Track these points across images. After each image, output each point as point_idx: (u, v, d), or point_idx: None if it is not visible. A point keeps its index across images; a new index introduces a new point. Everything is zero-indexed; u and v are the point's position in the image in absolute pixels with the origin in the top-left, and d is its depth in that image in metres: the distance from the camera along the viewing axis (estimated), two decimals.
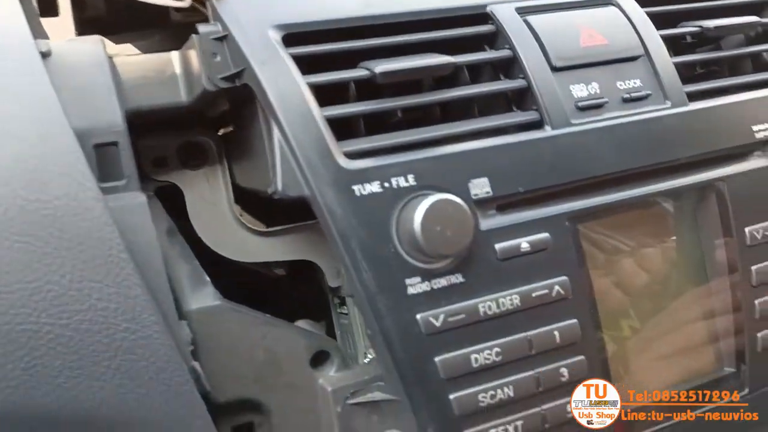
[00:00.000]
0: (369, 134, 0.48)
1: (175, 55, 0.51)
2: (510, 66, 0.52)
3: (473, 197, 0.47)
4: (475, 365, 0.46)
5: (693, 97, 0.54)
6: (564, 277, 0.48)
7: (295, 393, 0.49)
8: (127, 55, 0.54)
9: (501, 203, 0.48)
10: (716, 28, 0.57)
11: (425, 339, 0.45)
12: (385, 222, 0.45)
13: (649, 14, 0.56)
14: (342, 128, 0.48)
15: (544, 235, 0.48)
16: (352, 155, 0.46)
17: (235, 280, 0.69)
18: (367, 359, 0.53)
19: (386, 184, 0.45)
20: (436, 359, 0.45)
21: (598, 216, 0.50)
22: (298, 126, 0.45)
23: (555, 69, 0.51)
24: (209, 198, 0.55)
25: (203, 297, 0.48)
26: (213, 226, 0.55)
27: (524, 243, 0.47)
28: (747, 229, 0.54)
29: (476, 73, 0.53)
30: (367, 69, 0.48)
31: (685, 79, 0.59)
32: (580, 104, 0.51)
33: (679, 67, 0.56)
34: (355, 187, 0.45)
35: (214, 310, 0.47)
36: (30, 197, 0.41)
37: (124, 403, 0.42)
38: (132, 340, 0.43)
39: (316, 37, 0.49)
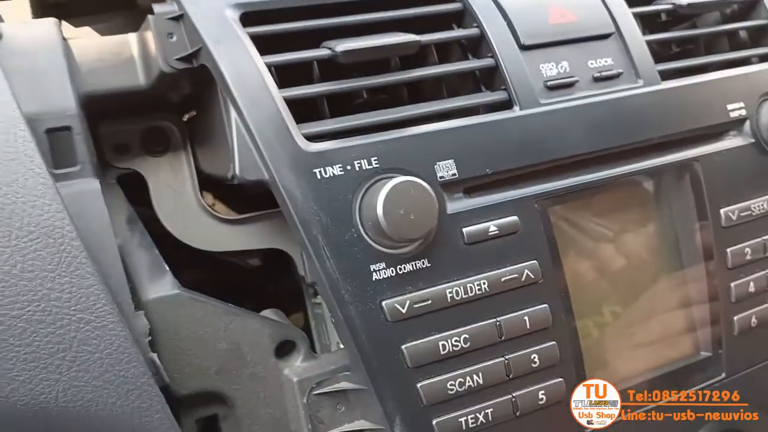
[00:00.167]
0: (337, 117, 0.46)
1: (132, 37, 0.50)
2: (478, 45, 0.51)
3: (439, 180, 0.45)
4: (442, 352, 0.44)
5: (666, 75, 0.53)
6: (534, 261, 0.47)
7: (260, 384, 0.47)
8: (83, 39, 0.52)
9: (468, 186, 0.47)
10: (689, 5, 0.56)
11: (391, 326, 0.44)
12: (347, 206, 0.43)
13: None
14: (310, 111, 0.47)
15: (513, 218, 0.47)
16: (312, 137, 0.44)
17: (212, 273, 0.68)
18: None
19: (348, 167, 0.44)
20: (403, 347, 0.44)
21: (568, 198, 0.49)
22: (255, 107, 0.44)
23: (523, 47, 0.50)
24: (173, 185, 0.54)
25: (161, 286, 0.46)
26: (178, 214, 0.53)
27: (492, 226, 0.46)
28: (722, 211, 0.53)
29: (444, 52, 0.52)
30: (329, 48, 0.46)
31: (660, 57, 0.58)
32: (549, 83, 0.50)
33: (652, 45, 0.55)
34: (316, 170, 0.43)
35: (172, 299, 0.46)
36: None
37: (80, 397, 0.41)
38: (86, 331, 0.41)
39: (278, 16, 0.47)
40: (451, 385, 0.45)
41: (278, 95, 0.44)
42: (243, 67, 0.44)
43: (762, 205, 0.54)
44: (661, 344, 0.53)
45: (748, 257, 0.53)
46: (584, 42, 0.52)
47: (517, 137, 0.48)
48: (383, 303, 0.43)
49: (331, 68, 0.47)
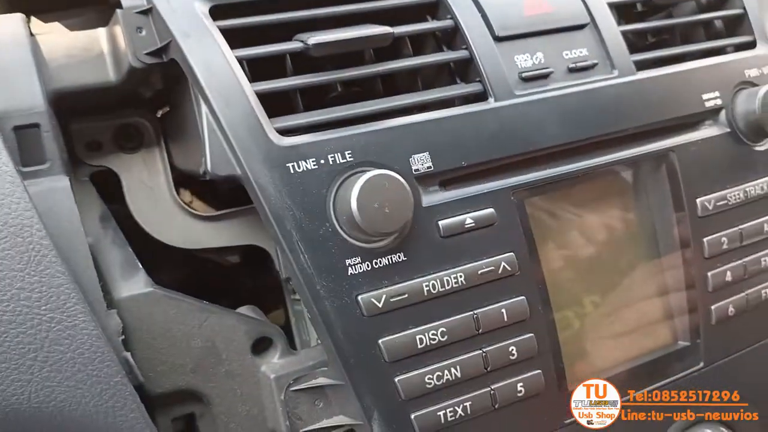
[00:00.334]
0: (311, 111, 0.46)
1: (101, 32, 0.49)
2: (453, 37, 0.50)
3: (414, 173, 0.45)
4: (420, 346, 0.44)
5: (641, 65, 0.53)
6: (510, 254, 0.47)
7: (237, 381, 0.47)
8: (52, 34, 0.52)
9: (443, 178, 0.46)
10: None
11: (367, 321, 0.43)
12: (321, 200, 0.43)
13: None
14: (284, 105, 0.46)
15: (489, 210, 0.46)
16: (285, 131, 0.44)
17: (192, 270, 0.67)
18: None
19: (322, 161, 0.43)
20: (380, 341, 0.44)
21: (544, 190, 0.49)
22: (226, 101, 0.43)
23: (498, 39, 0.50)
24: (147, 182, 0.53)
25: (134, 284, 0.46)
26: (152, 211, 0.53)
27: (468, 219, 0.46)
28: (698, 200, 0.53)
29: (419, 45, 0.52)
30: (301, 41, 0.46)
31: (637, 48, 0.58)
32: (524, 75, 0.49)
33: (627, 35, 0.55)
34: (289, 165, 0.43)
35: (145, 297, 0.45)
36: None
37: (53, 397, 0.40)
38: (57, 331, 0.41)
39: (249, 9, 0.47)
40: (428, 378, 0.44)
41: (249, 89, 0.43)
42: (213, 60, 0.43)
43: (738, 194, 0.54)
44: (639, 334, 0.53)
45: (725, 246, 0.54)
46: (559, 33, 0.52)
47: (492, 129, 0.48)
48: (359, 297, 0.43)
49: (305, 61, 0.46)
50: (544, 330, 0.48)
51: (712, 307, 0.53)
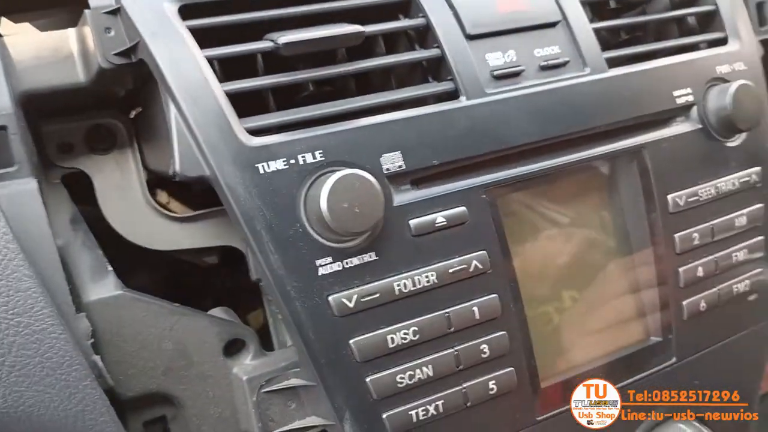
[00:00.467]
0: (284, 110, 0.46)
1: (71, 33, 0.48)
2: (424, 35, 0.50)
3: (385, 172, 0.45)
4: (391, 346, 0.44)
5: (613, 63, 0.53)
6: (482, 252, 0.47)
7: (209, 384, 0.47)
8: (20, 35, 0.51)
9: (415, 177, 0.46)
10: None
11: (338, 321, 0.43)
12: (291, 200, 0.43)
13: None
14: (258, 105, 0.46)
15: (461, 208, 0.46)
16: (255, 132, 0.43)
17: (170, 271, 0.67)
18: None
19: (292, 161, 0.43)
20: (351, 341, 0.44)
21: (516, 187, 0.49)
22: (195, 101, 0.43)
23: (470, 37, 0.49)
24: (120, 184, 0.53)
25: (103, 287, 0.45)
26: (125, 213, 0.52)
27: (440, 217, 0.46)
28: (669, 197, 0.53)
29: (392, 43, 0.51)
30: (272, 40, 0.45)
31: (611, 45, 0.58)
32: (496, 73, 0.49)
33: (599, 32, 0.55)
34: (259, 165, 0.42)
35: (115, 300, 0.45)
36: None
37: (22, 402, 0.40)
38: (25, 335, 0.40)
39: (220, 9, 0.46)
40: (400, 378, 0.45)
41: (219, 89, 0.43)
42: (181, 60, 0.43)
43: (709, 190, 0.55)
44: (612, 330, 0.53)
45: (696, 242, 0.54)
46: (531, 30, 0.52)
47: (463, 127, 0.48)
48: (330, 298, 0.43)
49: (278, 61, 0.46)
50: (517, 328, 0.48)
51: (684, 303, 0.54)
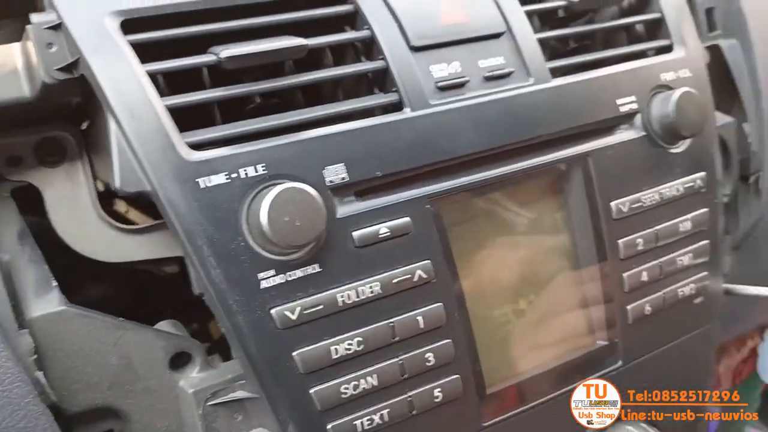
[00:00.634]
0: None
1: (16, 47, 0.48)
2: (370, 47, 0.50)
3: (328, 184, 0.45)
4: (335, 357, 0.45)
5: (557, 72, 0.54)
6: (427, 261, 0.47)
7: (155, 397, 0.47)
8: None
9: (359, 189, 0.47)
10: (581, 1, 0.57)
11: (281, 334, 0.44)
12: (233, 215, 0.43)
13: None
14: (205, 118, 0.46)
15: (405, 219, 0.47)
16: (197, 146, 0.43)
17: (129, 283, 0.66)
18: None
19: (234, 175, 0.43)
20: (294, 354, 0.44)
21: (460, 197, 0.50)
22: (134, 117, 0.43)
23: (414, 49, 0.50)
24: (70, 196, 0.52)
25: (47, 303, 0.45)
26: (76, 226, 0.52)
27: (383, 228, 0.46)
28: (613, 203, 0.54)
29: (341, 55, 0.52)
30: (214, 54, 0.45)
31: (560, 54, 0.59)
32: (440, 84, 0.50)
33: (546, 42, 0.55)
34: (200, 180, 0.43)
35: (58, 316, 0.45)
36: None
37: None
38: None
39: (165, 23, 0.46)
40: (345, 388, 0.45)
41: (159, 104, 0.43)
42: (121, 76, 0.43)
43: (653, 196, 0.56)
44: (558, 335, 0.54)
45: (640, 248, 0.55)
46: (476, 42, 0.52)
47: (408, 138, 0.48)
48: (272, 311, 0.43)
49: (228, 74, 0.46)
50: (462, 335, 0.49)
51: (629, 307, 0.55)
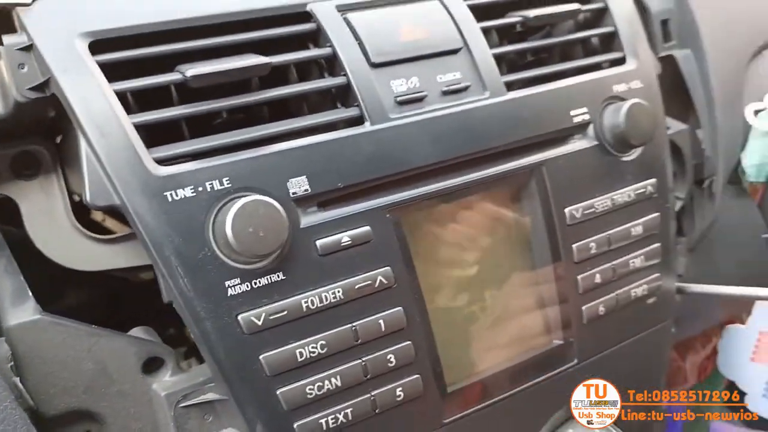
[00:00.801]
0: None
1: None
2: (333, 64, 0.53)
3: (292, 196, 0.48)
4: (300, 359, 0.47)
5: (512, 86, 0.57)
6: (387, 268, 0.50)
7: (129, 400, 0.49)
8: None
9: (321, 200, 0.49)
10: (536, 17, 0.59)
11: (248, 338, 0.46)
12: (199, 226, 0.45)
13: (471, 7, 0.58)
14: (174, 134, 0.48)
15: (365, 228, 0.49)
16: (164, 161, 0.46)
17: (107, 290, 0.68)
18: None
19: (200, 188, 0.45)
20: (261, 357, 0.46)
21: (419, 206, 0.52)
22: (103, 133, 0.45)
23: (374, 65, 0.52)
24: (46, 208, 0.54)
25: (23, 312, 0.47)
26: (52, 237, 0.54)
27: (345, 237, 0.49)
28: (567, 210, 0.57)
29: (306, 71, 0.54)
30: (180, 73, 0.48)
31: (518, 66, 0.62)
32: (399, 99, 0.52)
33: (504, 56, 0.58)
34: (167, 193, 0.45)
35: (33, 324, 0.47)
36: None
37: None
38: None
39: (131, 43, 0.49)
40: (310, 389, 0.47)
41: (127, 121, 0.45)
42: (89, 94, 0.45)
43: (605, 202, 0.59)
44: (516, 336, 0.57)
45: (593, 251, 0.58)
46: (434, 58, 0.55)
47: (368, 151, 0.51)
48: (239, 317, 0.46)
49: (195, 90, 0.48)
50: (422, 337, 0.51)
51: (583, 308, 0.58)
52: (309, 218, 0.48)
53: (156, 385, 0.49)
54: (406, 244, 0.51)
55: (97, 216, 0.64)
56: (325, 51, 0.52)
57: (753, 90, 0.77)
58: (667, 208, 0.63)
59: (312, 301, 0.48)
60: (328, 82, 0.52)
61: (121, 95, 0.46)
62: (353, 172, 0.50)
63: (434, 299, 0.53)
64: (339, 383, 0.48)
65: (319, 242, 0.48)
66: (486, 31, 0.58)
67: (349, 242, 0.49)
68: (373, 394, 0.50)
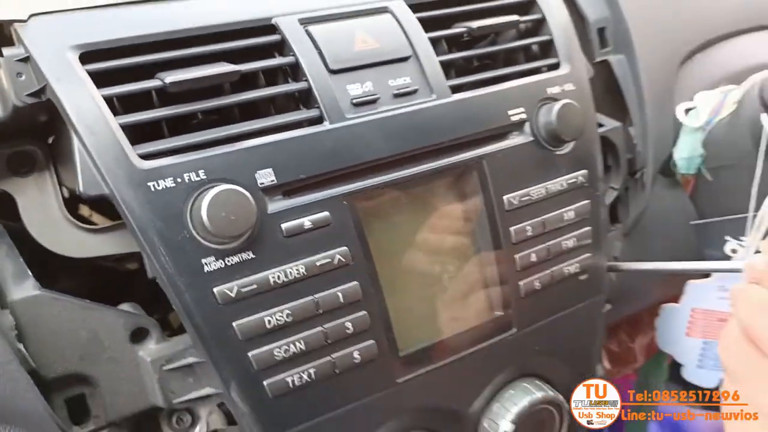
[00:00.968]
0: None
1: None
2: (296, 70, 0.60)
3: (260, 186, 0.55)
4: (269, 326, 0.54)
5: (457, 89, 0.64)
6: (344, 248, 0.57)
7: (119, 365, 0.56)
8: None
9: (286, 189, 0.56)
10: (479, 27, 0.67)
11: (222, 308, 0.53)
12: (179, 212, 0.52)
13: (420, 19, 0.65)
14: (155, 132, 0.55)
15: (325, 213, 0.57)
16: (147, 156, 0.53)
17: (98, 277, 0.75)
18: None
19: (179, 179, 0.52)
20: (234, 324, 0.53)
21: (373, 194, 0.59)
22: (93, 133, 0.51)
23: (332, 71, 0.60)
24: (40, 202, 0.60)
25: (24, 289, 0.54)
26: (46, 227, 0.60)
27: (307, 221, 0.56)
28: (505, 197, 0.64)
29: (274, 77, 0.61)
30: (160, 80, 0.55)
31: (465, 70, 0.69)
32: (355, 101, 0.59)
33: (448, 63, 0.66)
34: (150, 184, 0.52)
35: (34, 299, 0.54)
36: None
37: None
38: None
39: (116, 54, 0.55)
40: (277, 352, 0.54)
41: (114, 122, 0.52)
42: (81, 99, 0.52)
43: (540, 190, 0.66)
44: (461, 308, 0.64)
45: (529, 233, 0.65)
46: (386, 65, 0.62)
47: (327, 147, 0.58)
48: (215, 289, 0.53)
49: (174, 94, 0.55)
50: (376, 308, 0.59)
51: (520, 283, 0.65)
52: (275, 205, 0.55)
53: (142, 352, 0.57)
54: (361, 227, 0.58)
55: (84, 211, 0.71)
56: (288, 59, 0.60)
57: (684, 91, 0.84)
58: (597, 195, 0.70)
59: (278, 276, 0.55)
60: (291, 86, 0.59)
61: (108, 99, 0.53)
62: (314, 165, 0.57)
63: (386, 275, 0.60)
64: (303, 347, 0.55)
65: (284, 225, 0.55)
66: (434, 41, 0.65)
67: (311, 226, 0.56)
68: (333, 356, 0.57)
